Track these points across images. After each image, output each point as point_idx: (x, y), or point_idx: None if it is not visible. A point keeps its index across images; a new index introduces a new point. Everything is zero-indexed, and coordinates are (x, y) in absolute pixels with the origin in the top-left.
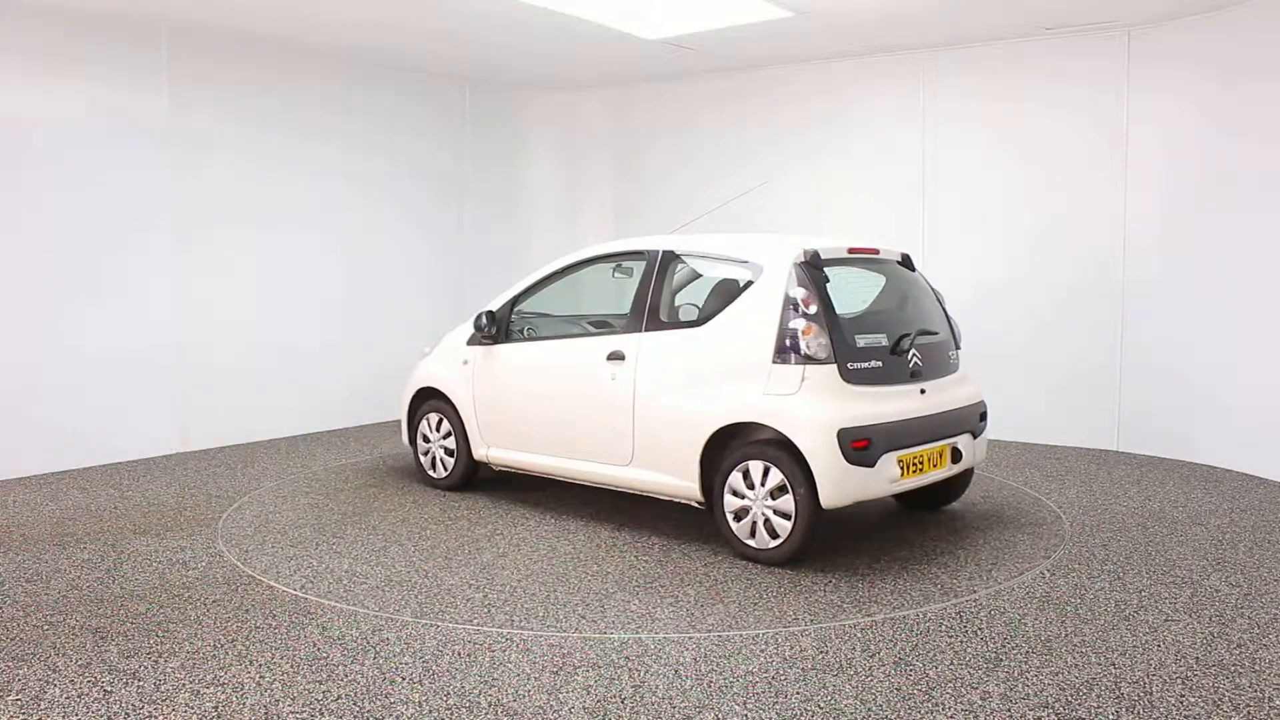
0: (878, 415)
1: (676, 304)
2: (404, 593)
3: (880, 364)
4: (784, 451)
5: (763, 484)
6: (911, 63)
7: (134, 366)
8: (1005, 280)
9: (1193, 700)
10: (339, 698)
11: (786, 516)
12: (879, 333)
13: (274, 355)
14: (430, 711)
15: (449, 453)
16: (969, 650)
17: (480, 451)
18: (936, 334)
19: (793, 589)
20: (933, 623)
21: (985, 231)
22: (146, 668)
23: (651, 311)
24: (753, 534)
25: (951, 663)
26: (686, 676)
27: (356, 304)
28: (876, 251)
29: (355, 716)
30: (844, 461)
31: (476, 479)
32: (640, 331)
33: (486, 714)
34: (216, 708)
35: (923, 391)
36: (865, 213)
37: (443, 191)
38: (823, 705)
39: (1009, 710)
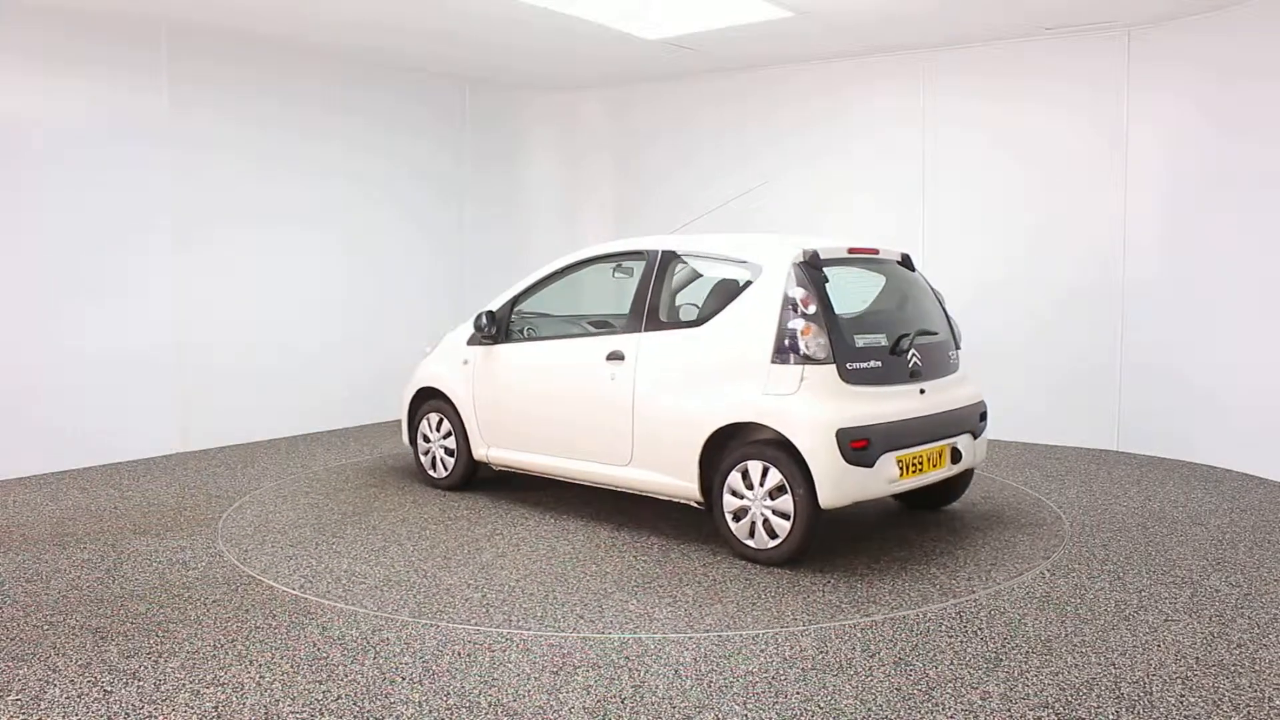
0: (877, 415)
1: (676, 304)
2: (402, 592)
3: (879, 364)
4: (783, 451)
5: (761, 484)
6: (911, 63)
7: (134, 366)
8: (1005, 280)
9: (1193, 700)
10: (339, 698)
11: (785, 516)
12: (878, 333)
13: (274, 355)
14: (430, 711)
15: (449, 452)
16: (969, 650)
17: (480, 451)
18: (936, 334)
19: (791, 589)
20: (933, 623)
21: (985, 231)
22: (146, 668)
23: (651, 311)
24: (752, 534)
25: (951, 663)
26: (686, 676)
27: (356, 304)
28: (876, 251)
29: (355, 716)
30: (843, 461)
31: (477, 479)
32: (640, 331)
33: (486, 714)
34: (216, 708)
35: (922, 391)
36: (865, 213)
37: (443, 191)
38: (823, 705)
39: (1009, 710)
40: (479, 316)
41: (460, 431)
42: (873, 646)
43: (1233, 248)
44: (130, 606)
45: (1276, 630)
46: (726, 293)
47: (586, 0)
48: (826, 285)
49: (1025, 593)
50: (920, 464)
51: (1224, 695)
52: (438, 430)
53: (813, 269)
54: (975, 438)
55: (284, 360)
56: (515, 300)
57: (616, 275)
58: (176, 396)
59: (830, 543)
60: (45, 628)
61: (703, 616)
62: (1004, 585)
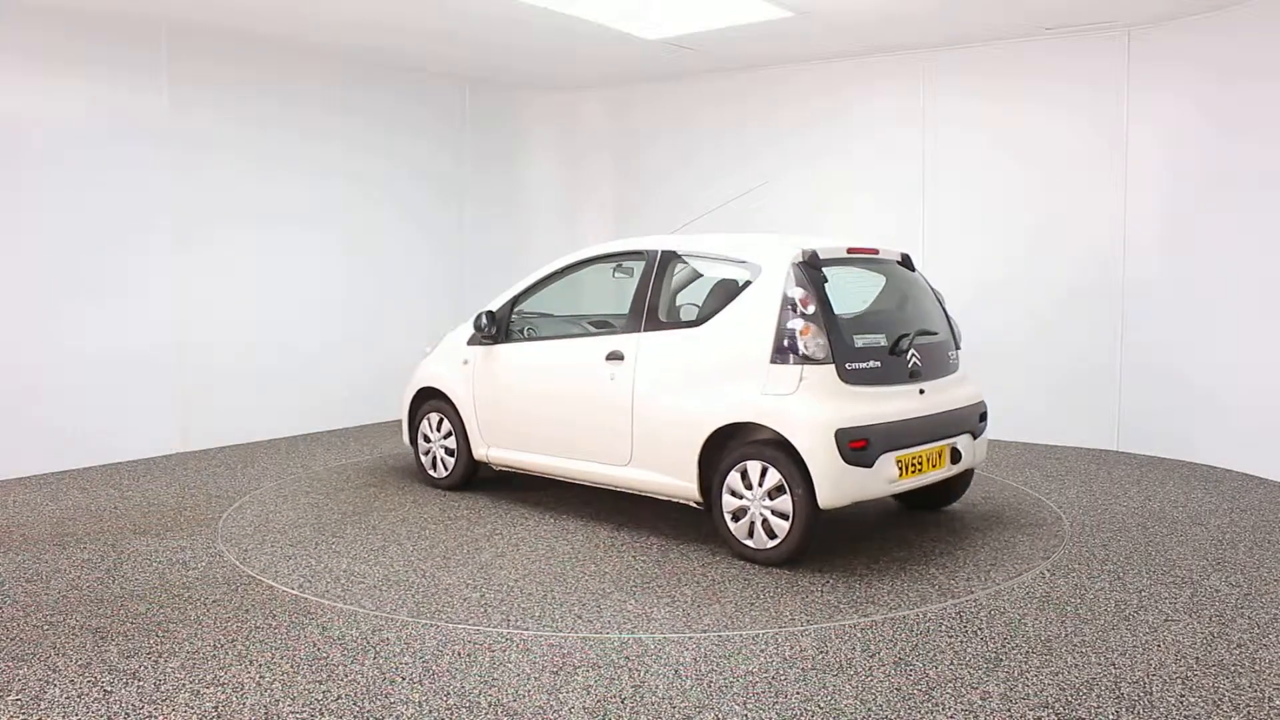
0: (876, 415)
1: (676, 304)
2: (401, 592)
3: (879, 364)
4: (782, 452)
5: (760, 484)
6: (911, 63)
7: (134, 366)
8: (1005, 280)
9: (1193, 700)
10: (339, 698)
11: (784, 517)
12: (878, 333)
13: (274, 355)
14: (430, 711)
15: (449, 452)
16: (969, 650)
17: (480, 451)
18: (936, 334)
19: (790, 589)
20: (932, 623)
21: (985, 231)
22: (146, 668)
23: (650, 311)
24: (751, 534)
25: (951, 663)
26: (686, 676)
27: (356, 304)
28: (876, 251)
29: (355, 716)
30: (841, 462)
31: (477, 479)
32: (639, 331)
33: (486, 714)
34: (216, 708)
35: (922, 392)
36: (865, 213)
37: (443, 191)
38: (823, 705)
39: (1009, 710)
40: (479, 316)
41: (460, 431)
42: (873, 646)
43: (1233, 248)
44: (130, 606)
45: (1276, 630)
46: (726, 293)
47: (586, 0)
48: (826, 285)
49: (1025, 593)
50: (920, 464)
51: (1224, 695)
52: (438, 430)
53: (812, 269)
54: (975, 438)
55: (284, 360)
56: (515, 300)
57: (617, 275)
58: (176, 396)
59: (829, 543)
60: (45, 628)
61: (701, 617)
62: (1004, 585)
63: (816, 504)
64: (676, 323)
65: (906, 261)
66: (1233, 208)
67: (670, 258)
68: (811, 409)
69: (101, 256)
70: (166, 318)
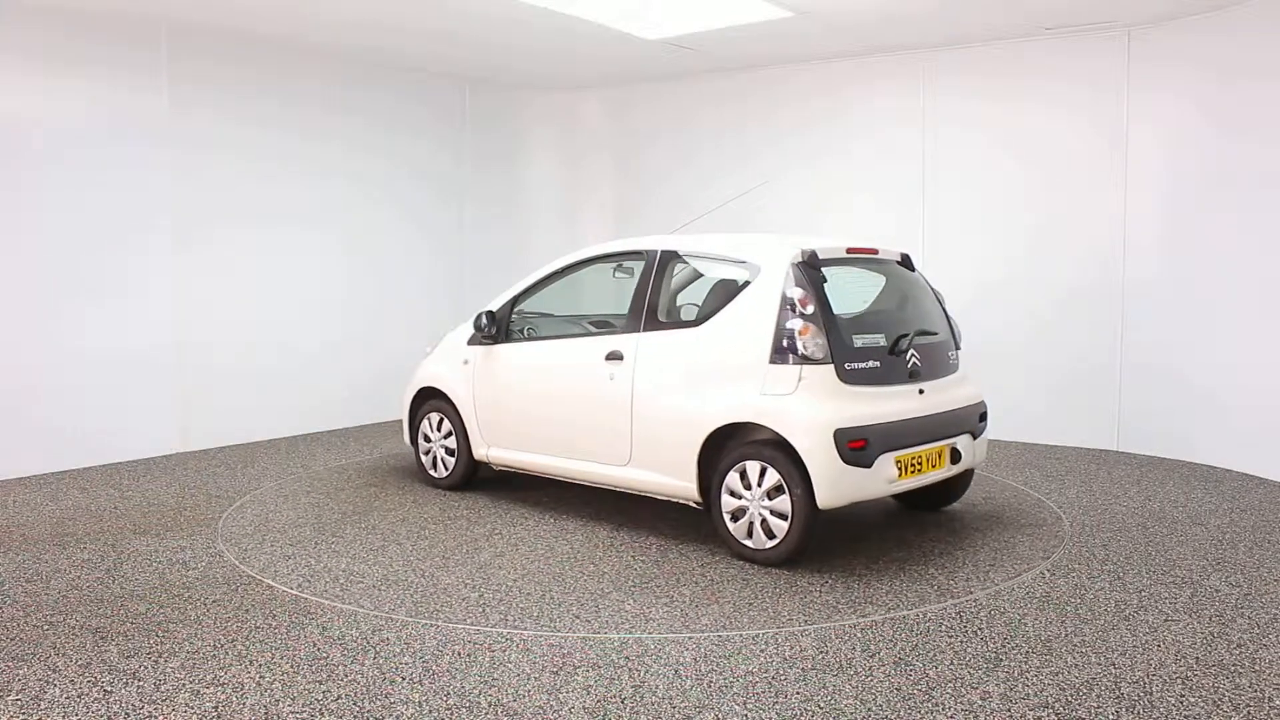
0: (875, 416)
1: (675, 304)
2: (400, 592)
3: (878, 364)
4: (780, 452)
5: (759, 484)
6: (911, 63)
7: (134, 366)
8: (1005, 280)
9: (1193, 700)
10: (339, 698)
11: (783, 517)
12: (877, 333)
13: (274, 355)
14: (430, 711)
15: (449, 452)
16: (969, 650)
17: (480, 451)
18: (935, 334)
19: (789, 589)
20: (933, 623)
21: (985, 231)
22: (146, 668)
23: (650, 311)
24: (750, 534)
25: (951, 663)
26: (686, 676)
27: (356, 304)
28: (875, 251)
29: (355, 716)
30: (840, 462)
31: (477, 478)
32: (639, 331)
33: (486, 714)
34: (216, 708)
35: (921, 392)
36: (865, 213)
37: (443, 191)
38: (823, 705)
39: (1009, 710)
40: (479, 316)
41: (460, 431)
42: (873, 646)
43: (1233, 248)
44: (130, 606)
45: (1276, 630)
46: (725, 293)
47: (586, 0)
48: (825, 285)
49: (1025, 593)
50: (919, 464)
51: (1224, 695)
52: (438, 430)
53: (811, 269)
54: (975, 438)
55: (284, 360)
56: (515, 300)
57: (617, 275)
58: (176, 396)
59: (829, 543)
60: (45, 628)
61: (699, 617)
62: (1004, 585)
63: (815, 504)
64: (676, 323)
65: (906, 261)
66: (1233, 208)
67: (670, 258)
68: (810, 409)
69: (101, 256)
70: (166, 318)
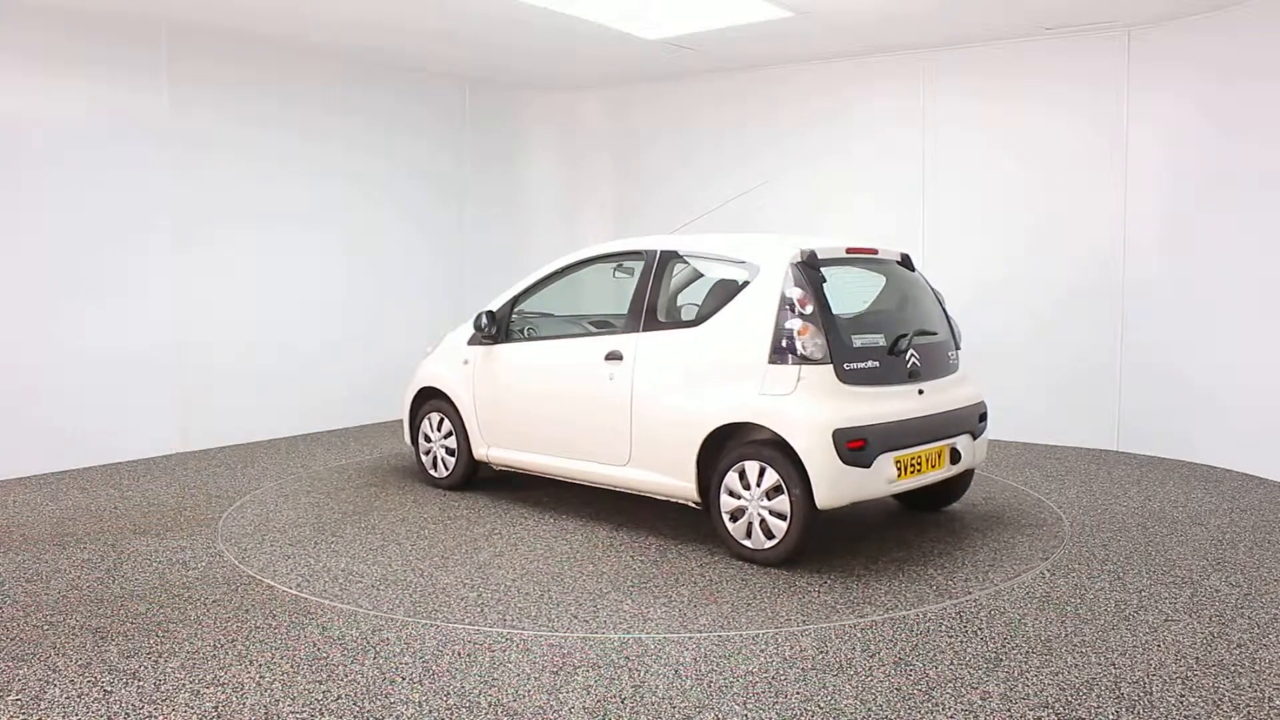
0: (874, 416)
1: (675, 304)
2: (398, 591)
3: (877, 364)
4: (779, 452)
5: (758, 484)
6: (911, 63)
7: (134, 366)
8: (1005, 280)
9: (1193, 700)
10: (339, 698)
11: (782, 517)
12: (876, 333)
13: (274, 355)
14: (430, 711)
15: (450, 452)
16: (969, 650)
17: (480, 451)
18: (935, 334)
19: (787, 589)
20: (933, 623)
21: (985, 231)
22: (146, 668)
23: (649, 311)
24: (749, 534)
25: (951, 663)
26: (686, 676)
27: (356, 304)
28: (875, 251)
29: (355, 716)
30: (839, 462)
31: (477, 478)
32: (638, 331)
33: (486, 714)
34: (216, 708)
35: (921, 392)
36: (865, 213)
37: (443, 191)
38: (823, 705)
39: (1009, 710)
40: (479, 316)
41: (461, 431)
42: (872, 647)
43: (1233, 248)
44: (130, 606)
45: (1276, 630)
46: (724, 293)
47: (586, 0)
48: (824, 285)
49: (1025, 593)
50: (919, 464)
51: (1224, 695)
52: (438, 430)
53: (810, 269)
54: (975, 438)
55: (284, 360)
56: (515, 300)
57: (617, 275)
58: (176, 396)
59: (828, 543)
60: (45, 628)
61: (697, 617)
62: (1004, 585)
63: (814, 504)
64: (675, 323)
65: (906, 261)
66: (1233, 208)
67: (669, 258)
68: (809, 409)
69: (101, 256)
70: (166, 318)
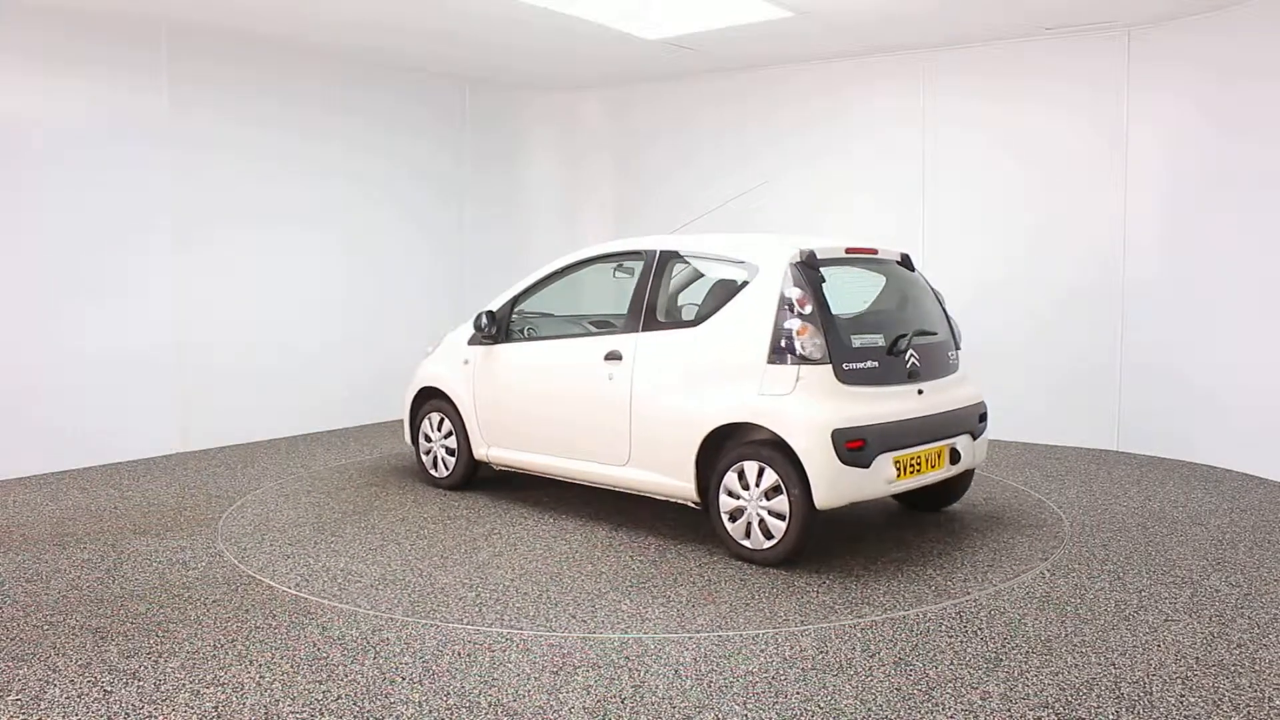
0: (873, 416)
1: (675, 304)
2: (397, 591)
3: (876, 364)
4: (778, 452)
5: (757, 484)
6: (911, 63)
7: (134, 366)
8: (1005, 280)
9: (1193, 700)
10: (339, 698)
11: (781, 517)
12: (876, 333)
13: (274, 355)
14: (430, 711)
15: (450, 452)
16: (969, 650)
17: (480, 451)
18: (935, 334)
19: (786, 590)
20: (933, 623)
21: (985, 231)
22: (146, 668)
23: (649, 311)
24: (748, 534)
25: (951, 663)
26: (686, 676)
27: (356, 304)
28: (875, 251)
29: (355, 716)
30: (838, 462)
31: (478, 478)
32: (637, 331)
33: (486, 714)
34: (216, 708)
35: (920, 392)
36: (865, 213)
37: (443, 191)
38: (823, 705)
39: (1009, 710)
40: (479, 316)
41: (461, 431)
42: (873, 647)
43: (1233, 248)
44: (130, 606)
45: (1276, 630)
46: (724, 293)
47: (586, 0)
48: (823, 285)
49: (1025, 593)
50: (918, 465)
51: (1224, 695)
52: (439, 430)
53: (809, 269)
54: (975, 438)
55: (284, 360)
56: (515, 300)
57: (618, 275)
58: (176, 396)
59: (827, 544)
60: (45, 628)
61: (695, 617)
62: (1003, 585)
63: (813, 504)
64: (675, 323)
65: (906, 261)
66: (1233, 208)
67: (669, 258)
68: (808, 409)
69: (101, 256)
70: (166, 318)
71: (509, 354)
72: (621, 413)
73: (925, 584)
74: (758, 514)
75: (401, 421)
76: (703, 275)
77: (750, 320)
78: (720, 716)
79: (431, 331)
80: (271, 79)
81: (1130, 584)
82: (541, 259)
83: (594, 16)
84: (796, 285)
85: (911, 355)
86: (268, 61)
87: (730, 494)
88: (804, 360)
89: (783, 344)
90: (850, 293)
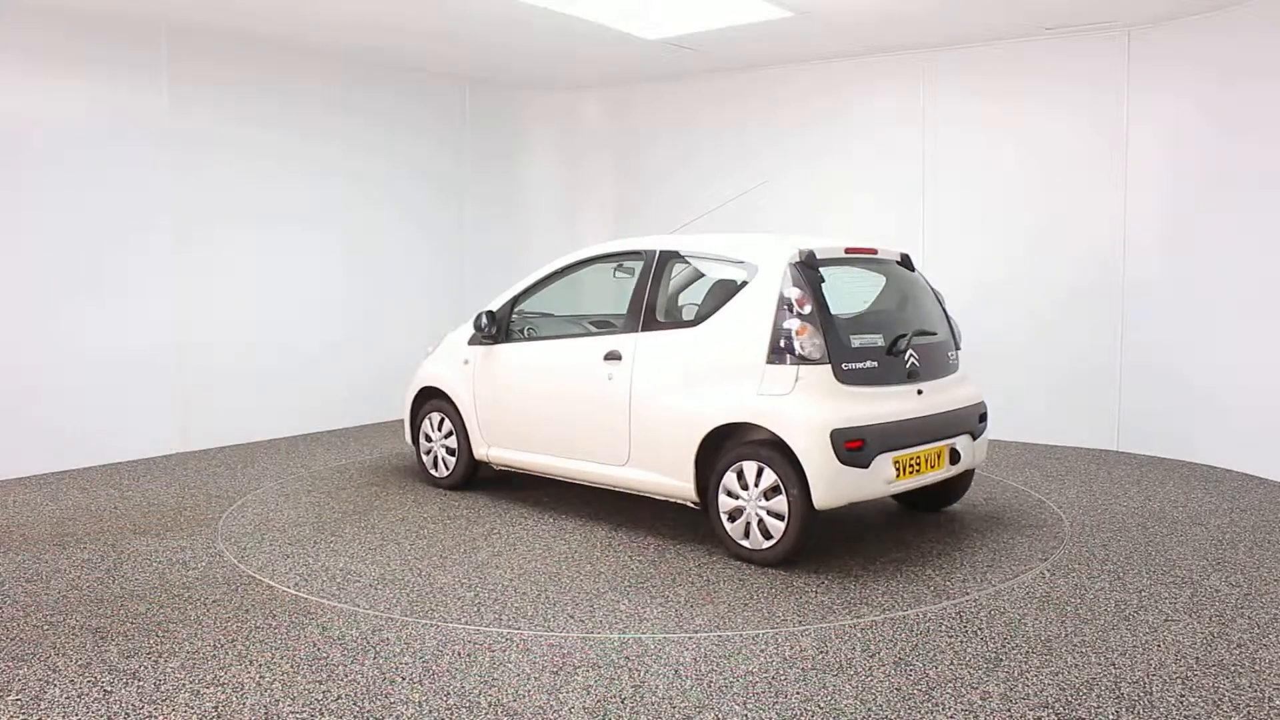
0: (872, 416)
1: (674, 304)
2: (396, 591)
3: (875, 364)
4: (777, 452)
5: (756, 484)
6: (911, 63)
7: (134, 366)
8: (1005, 280)
9: (1193, 700)
10: (339, 698)
11: (780, 517)
12: (875, 333)
13: (274, 355)
14: (430, 711)
15: (450, 452)
16: (969, 650)
17: (481, 451)
18: (935, 334)
19: (784, 590)
20: (933, 623)
21: (985, 231)
22: (146, 668)
23: (648, 311)
24: (747, 534)
25: (951, 663)
26: (686, 676)
27: (356, 304)
28: (874, 251)
29: (355, 716)
30: (837, 462)
31: (478, 478)
32: (637, 331)
33: (486, 714)
34: (216, 708)
35: (920, 392)
36: (865, 213)
37: (443, 191)
38: (823, 705)
39: (1009, 710)
40: (479, 316)
41: (461, 431)
42: (873, 647)
43: (1233, 248)
44: (130, 606)
45: (1276, 630)
46: (723, 293)
47: (586, 0)
48: (823, 285)
49: (1025, 593)
50: (918, 465)
51: (1224, 695)
52: (439, 430)
53: (808, 269)
54: (975, 438)
55: (284, 360)
56: (515, 300)
57: (618, 275)
58: (176, 396)
59: (826, 544)
60: (45, 628)
61: (694, 617)
62: (1003, 586)
63: (812, 504)
64: (674, 323)
65: (906, 261)
66: (1233, 208)
67: (668, 258)
68: (807, 409)
69: (101, 256)
70: (166, 318)
71: (509, 354)
72: (621, 413)
73: (925, 584)
74: (757, 514)
75: (402, 421)
76: (702, 275)
77: (749, 320)
78: (720, 716)
79: (431, 331)
80: (271, 79)
81: (1130, 584)
82: (541, 259)
83: (594, 16)
84: (796, 285)
85: (911, 355)
86: (268, 61)
87: (729, 494)
88: (803, 360)
89: (782, 344)
90: (850, 293)
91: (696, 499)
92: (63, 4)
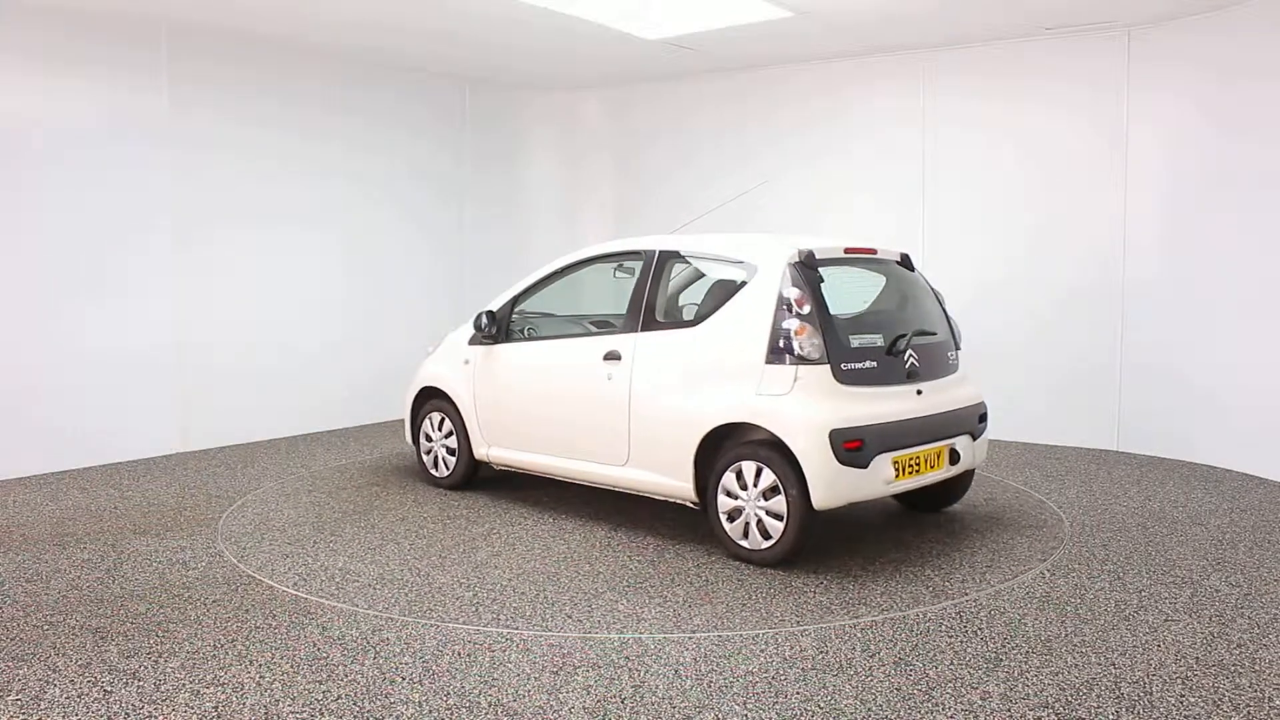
0: (872, 416)
1: (674, 304)
2: (395, 590)
3: (875, 364)
4: (776, 452)
5: (755, 485)
6: (911, 63)
7: (134, 366)
8: (1005, 280)
9: (1193, 700)
10: (339, 698)
11: (779, 517)
12: (875, 333)
13: (274, 355)
14: (430, 711)
15: (450, 452)
16: (969, 650)
17: (481, 451)
18: (934, 334)
19: (783, 590)
20: (932, 623)
21: (985, 231)
22: (146, 668)
23: (648, 311)
24: (746, 535)
25: (951, 663)
26: (686, 676)
27: (356, 304)
28: (874, 251)
29: (355, 716)
30: (836, 462)
31: (478, 478)
32: (636, 331)
33: (486, 714)
34: (216, 708)
35: (919, 392)
36: (865, 213)
37: (443, 191)
38: (823, 705)
39: (1009, 710)
40: (479, 316)
41: (461, 431)
42: (872, 647)
43: (1233, 248)
44: (130, 606)
45: (1276, 630)
46: (722, 293)
47: (586, 0)
48: (822, 285)
49: (1025, 593)
50: (917, 465)
51: (1224, 695)
52: (439, 430)
53: (808, 269)
54: (974, 439)
55: (284, 360)
56: (515, 300)
57: (618, 275)
58: (176, 396)
59: (826, 544)
60: (45, 628)
61: (693, 617)
62: (1003, 586)
63: (811, 505)
64: (674, 323)
65: (906, 261)
66: (1233, 208)
67: (668, 258)
68: (806, 409)
69: (101, 256)
70: (166, 318)
71: (509, 354)
72: (620, 413)
73: (925, 584)
74: (756, 514)
75: (402, 421)
76: (702, 275)
77: (748, 320)
78: (720, 716)
79: (431, 331)
80: (271, 79)
81: (1130, 584)
82: (541, 259)
83: (594, 16)
84: (795, 285)
85: (911, 355)
86: (268, 61)
87: (728, 494)
88: (802, 360)
89: (781, 344)
90: (849, 293)
91: (696, 499)
92: (63, 4)
